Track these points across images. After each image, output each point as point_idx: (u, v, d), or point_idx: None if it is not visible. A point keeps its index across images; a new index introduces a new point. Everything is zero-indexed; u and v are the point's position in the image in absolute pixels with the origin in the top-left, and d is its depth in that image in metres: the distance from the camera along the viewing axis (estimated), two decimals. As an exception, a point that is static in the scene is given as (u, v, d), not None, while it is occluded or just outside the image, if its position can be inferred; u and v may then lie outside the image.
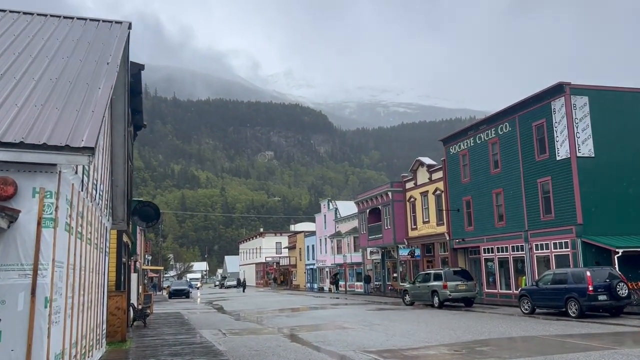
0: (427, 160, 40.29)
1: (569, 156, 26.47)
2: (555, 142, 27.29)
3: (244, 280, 78.30)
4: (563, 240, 26.76)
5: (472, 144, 34.61)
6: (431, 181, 39.24)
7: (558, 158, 27.17)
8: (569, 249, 26.30)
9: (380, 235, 45.15)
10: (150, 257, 73.31)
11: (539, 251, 28.49)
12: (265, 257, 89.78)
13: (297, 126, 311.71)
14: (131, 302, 22.24)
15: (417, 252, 40.26)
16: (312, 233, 69.65)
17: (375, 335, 16.67)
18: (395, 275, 45.37)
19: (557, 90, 27.25)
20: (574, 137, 26.43)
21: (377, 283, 48.31)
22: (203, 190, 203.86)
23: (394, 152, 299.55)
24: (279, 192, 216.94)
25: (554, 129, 27.38)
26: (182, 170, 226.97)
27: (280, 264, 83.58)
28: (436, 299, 28.33)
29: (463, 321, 20.33)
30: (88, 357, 9.81)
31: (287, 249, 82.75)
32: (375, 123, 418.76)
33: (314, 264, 66.54)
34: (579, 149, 26.38)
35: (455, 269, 30.00)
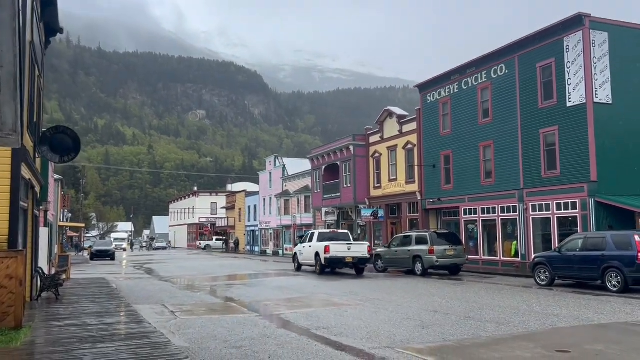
0: (397, 111, 35.62)
1: (584, 102, 22.48)
2: (567, 86, 23.23)
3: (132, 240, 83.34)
4: (570, 200, 22.99)
5: (456, 90, 30.17)
6: (401, 134, 34.70)
7: (569, 104, 23.16)
8: (577, 210, 22.57)
9: (338, 194, 40.44)
10: (70, 215, 65.41)
11: (537, 212, 24.69)
12: (199, 218, 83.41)
13: (231, 85, 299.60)
14: (38, 266, 16.33)
15: (381, 213, 35.96)
16: (254, 193, 64.19)
17: (394, 317, 11.89)
18: (355, 237, 40.91)
19: (574, 23, 23.02)
20: (592, 79, 22.43)
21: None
22: (129, 147, 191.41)
23: (329, 117, 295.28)
24: (211, 153, 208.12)
25: (566, 70, 23.28)
26: (107, 125, 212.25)
27: (217, 225, 77.60)
28: (419, 266, 24.05)
29: (482, 296, 15.98)
30: None
31: (224, 209, 76.85)
32: (310, 87, 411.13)
33: (256, 226, 61.24)
34: (595, 94, 22.45)
35: (441, 232, 25.79)
